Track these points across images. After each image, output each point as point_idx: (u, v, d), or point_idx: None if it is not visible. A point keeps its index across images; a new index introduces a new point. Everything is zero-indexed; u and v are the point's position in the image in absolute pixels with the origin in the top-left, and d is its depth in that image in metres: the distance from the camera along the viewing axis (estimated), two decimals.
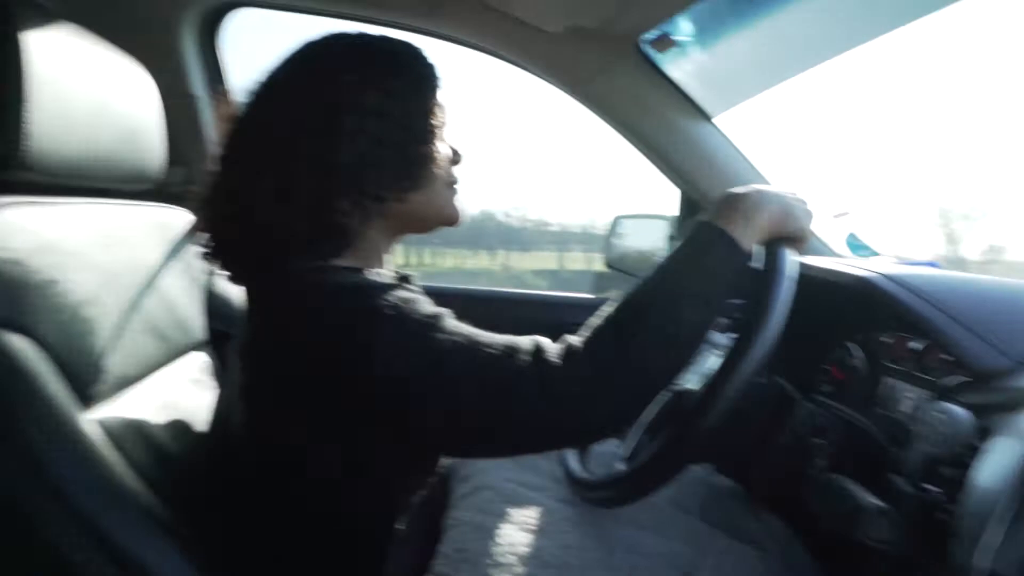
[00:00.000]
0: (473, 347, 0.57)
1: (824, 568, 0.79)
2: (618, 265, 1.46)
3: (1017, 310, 0.78)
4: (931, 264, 0.95)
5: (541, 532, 0.78)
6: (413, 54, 0.70)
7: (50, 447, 0.56)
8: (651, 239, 1.41)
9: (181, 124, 0.87)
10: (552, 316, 1.21)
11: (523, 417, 0.57)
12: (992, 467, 0.58)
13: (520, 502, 0.84)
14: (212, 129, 1.05)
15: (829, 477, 0.68)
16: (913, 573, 0.62)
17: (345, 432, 0.61)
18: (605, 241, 1.50)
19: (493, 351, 0.57)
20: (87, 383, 0.64)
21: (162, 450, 0.72)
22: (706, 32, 0.99)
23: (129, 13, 0.93)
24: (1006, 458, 0.57)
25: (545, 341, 0.60)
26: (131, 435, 0.68)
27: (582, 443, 0.83)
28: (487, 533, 0.77)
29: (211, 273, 0.98)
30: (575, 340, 0.60)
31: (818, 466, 0.72)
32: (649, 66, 1.03)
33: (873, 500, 0.63)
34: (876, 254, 1.11)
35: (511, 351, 0.58)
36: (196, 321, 0.92)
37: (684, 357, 0.61)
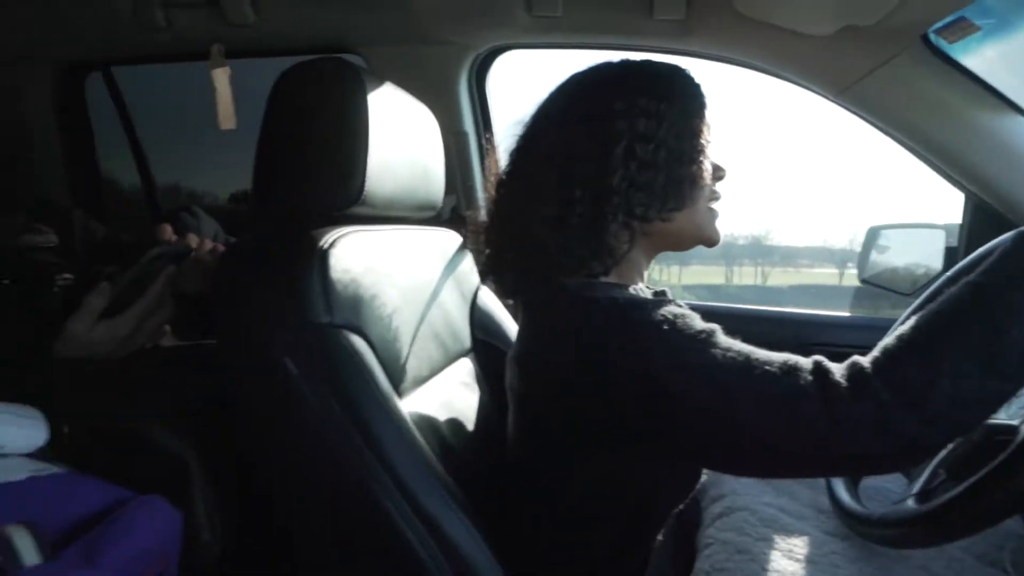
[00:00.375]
0: (749, 363, 0.57)
1: None
2: (875, 280, 1.32)
3: None
4: None
5: (810, 562, 0.74)
6: (680, 76, 0.72)
7: (383, 426, 0.67)
8: (919, 251, 1.25)
9: (452, 157, 0.98)
10: (806, 335, 1.13)
11: (804, 438, 0.55)
12: None
13: (781, 528, 0.81)
14: (477, 161, 1.18)
15: None
16: None
17: (612, 441, 0.63)
18: (860, 254, 1.36)
19: (771, 368, 0.56)
20: (398, 380, 0.76)
21: (445, 441, 0.81)
22: (1016, 10, 0.86)
23: (420, 65, 1.08)
24: None
25: (828, 362, 0.58)
26: (424, 426, 0.77)
27: (866, 472, 0.77)
28: (748, 555, 0.75)
29: (476, 288, 1.08)
30: (864, 361, 0.56)
31: None
32: (938, 57, 0.93)
33: None
34: None
35: (791, 369, 0.56)
36: (464, 331, 1.02)
37: (1009, 386, 0.54)
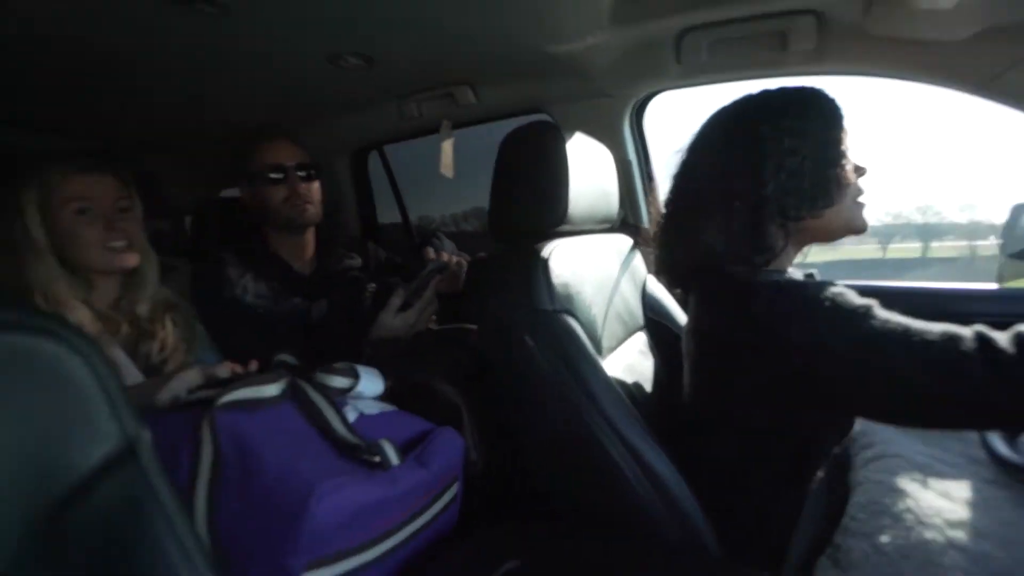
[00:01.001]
0: (908, 332, 0.57)
1: None
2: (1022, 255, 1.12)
3: None
4: None
5: (969, 504, 0.68)
6: (815, 95, 0.70)
7: (595, 381, 0.75)
8: None
9: (620, 181, 1.02)
10: (954, 308, 1.00)
11: (967, 397, 0.53)
12: None
13: (934, 473, 0.74)
14: (639, 182, 1.21)
15: None
16: None
17: (774, 399, 0.65)
18: (1006, 230, 1.16)
19: (930, 336, 0.55)
20: (598, 349, 0.84)
21: (631, 393, 0.87)
22: None
23: (594, 113, 1.16)
24: None
25: (990, 330, 0.54)
26: (616, 383, 0.83)
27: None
28: (903, 494, 0.71)
29: (644, 279, 1.12)
30: None
31: None
32: None
33: None
34: None
35: (952, 336, 0.55)
36: (638, 311, 1.07)
37: None
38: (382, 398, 0.77)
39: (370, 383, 0.73)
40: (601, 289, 0.93)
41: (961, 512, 0.67)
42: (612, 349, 0.94)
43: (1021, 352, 0.51)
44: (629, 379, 0.91)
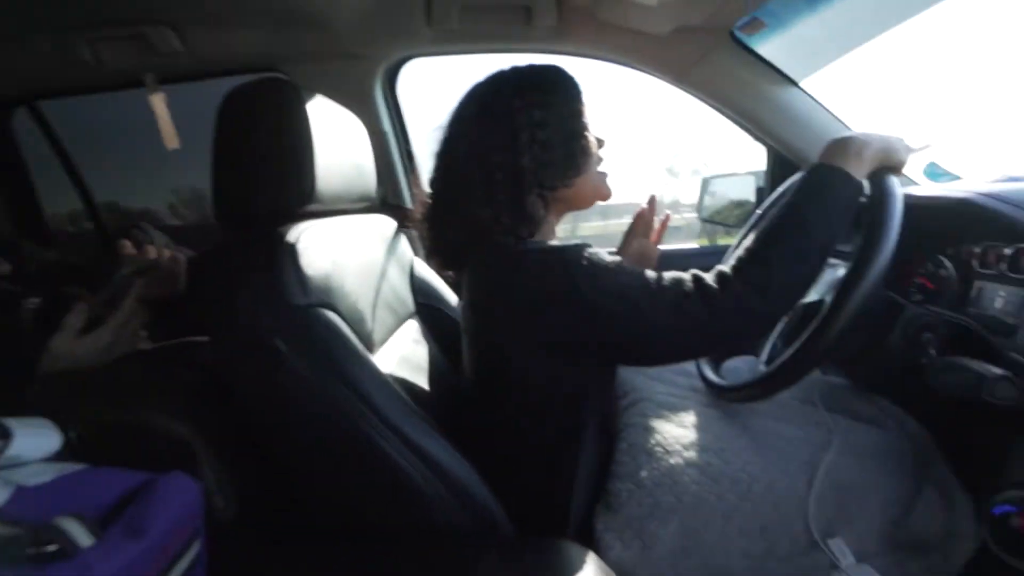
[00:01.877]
0: (647, 281, 0.65)
1: (937, 434, 0.78)
2: (713, 219, 1.43)
3: None
4: (1015, 178, 0.89)
5: (696, 427, 0.82)
6: (558, 72, 0.76)
7: (368, 380, 0.66)
8: (740, 193, 1.38)
9: (377, 154, 0.95)
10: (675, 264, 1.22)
11: (692, 327, 0.64)
12: None
13: (671, 407, 0.87)
14: (397, 155, 1.14)
15: (948, 359, 0.68)
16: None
17: (553, 354, 0.68)
18: (698, 200, 1.46)
19: (664, 283, 0.65)
20: (366, 343, 0.75)
21: (409, 387, 0.82)
22: (789, 10, 0.96)
23: (339, 77, 1.03)
24: None
25: (702, 272, 0.65)
26: (390, 377, 0.77)
27: (737, 345, 0.87)
28: (654, 431, 0.81)
29: (411, 262, 1.07)
30: (725, 268, 0.65)
31: (931, 355, 0.71)
32: (742, 48, 1.02)
33: (995, 369, 0.62)
34: (957, 178, 1.04)
35: (678, 281, 0.65)
36: (408, 297, 1.02)
37: (815, 271, 0.65)
38: (60, 457, 0.55)
39: (33, 440, 0.52)
40: (366, 277, 0.84)
41: (691, 435, 0.80)
42: (383, 341, 0.86)
43: (722, 286, 0.63)
44: (405, 371, 0.86)
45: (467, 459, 0.71)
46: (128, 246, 0.85)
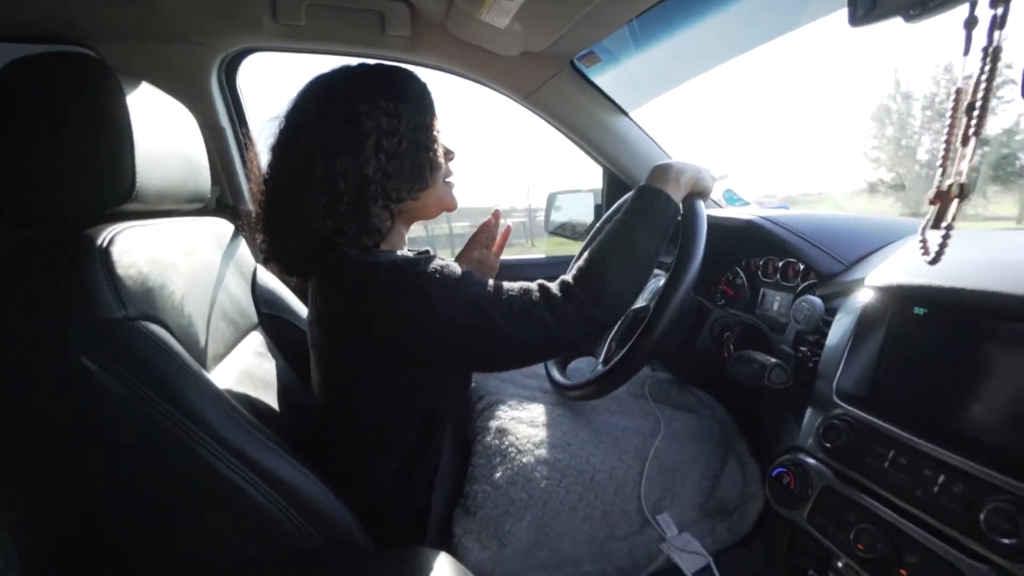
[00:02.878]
0: (499, 292, 0.68)
1: (738, 416, 0.94)
2: (558, 231, 1.55)
3: (843, 230, 0.95)
4: (782, 207, 1.12)
5: (545, 426, 0.88)
6: (411, 79, 0.74)
7: (201, 400, 0.60)
8: (581, 209, 1.51)
9: (212, 151, 0.88)
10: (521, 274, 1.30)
11: (538, 334, 0.68)
12: (836, 331, 0.74)
13: (523, 409, 0.93)
14: (236, 154, 1.06)
15: (741, 353, 0.83)
16: (797, 400, 0.78)
17: (403, 368, 0.69)
18: (545, 213, 1.57)
19: (513, 292, 0.69)
20: (200, 359, 0.70)
21: (251, 405, 0.77)
22: (620, 50, 1.09)
23: (168, 62, 0.92)
24: (843, 324, 0.73)
25: (546, 282, 0.71)
26: (230, 395, 0.71)
27: (575, 349, 0.94)
28: (507, 432, 0.86)
29: (254, 269, 1.00)
30: (568, 278, 0.71)
31: (730, 350, 0.86)
32: (581, 77, 1.13)
33: (772, 359, 0.78)
34: (747, 203, 1.28)
35: (525, 291, 0.69)
36: (250, 308, 0.95)
37: (644, 279, 0.75)
38: None
39: None
40: (198, 285, 0.76)
41: (542, 434, 0.85)
42: (222, 356, 0.79)
43: (565, 295, 0.69)
44: (248, 387, 0.79)
45: (319, 476, 0.68)
46: None
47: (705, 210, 0.80)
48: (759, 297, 1.04)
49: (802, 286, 0.93)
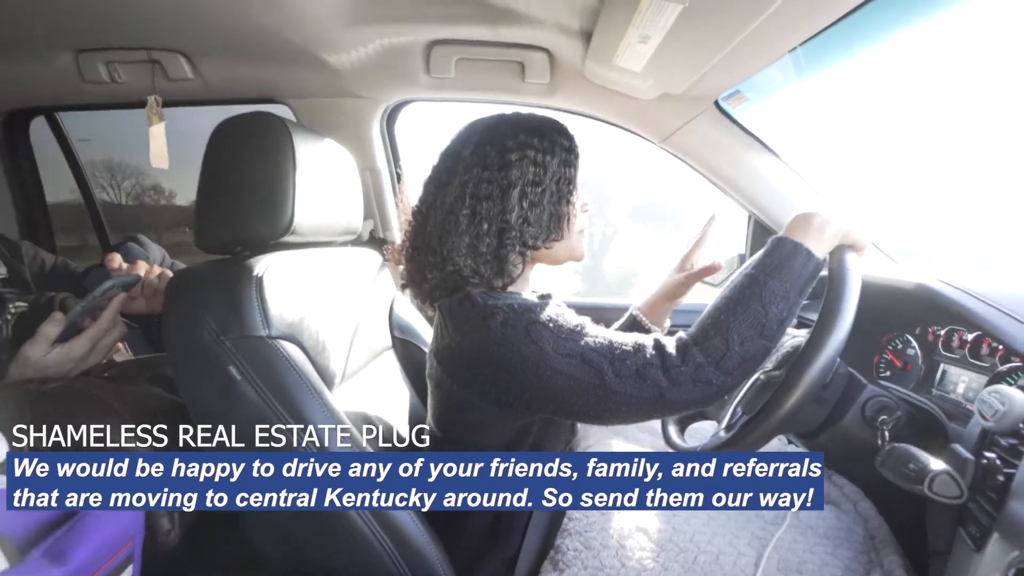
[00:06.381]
0: (612, 346, 0.64)
1: (890, 520, 0.76)
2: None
3: None
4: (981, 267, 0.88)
5: None
6: (559, 131, 0.73)
7: (314, 412, 0.65)
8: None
9: (368, 190, 0.97)
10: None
11: (651, 394, 0.62)
12: None
13: None
14: (389, 192, 1.16)
15: (896, 446, 0.66)
16: (977, 521, 0.59)
17: (513, 410, 0.67)
18: None
19: (627, 347, 0.64)
20: (331, 376, 0.76)
21: (372, 421, 0.80)
22: (764, 88, 0.98)
23: (341, 114, 1.06)
24: None
25: (663, 337, 0.64)
26: (355, 411, 0.77)
27: (691, 412, 0.84)
28: None
29: (393, 297, 1.07)
30: (686, 336, 0.64)
31: (885, 437, 0.69)
32: (726, 117, 1.03)
33: (940, 464, 0.60)
34: (928, 259, 1.04)
35: (640, 347, 0.64)
36: (385, 331, 1.02)
37: (772, 344, 0.64)
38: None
39: None
40: (339, 309, 0.84)
41: None
42: (354, 374, 0.86)
43: (682, 355, 0.63)
44: (373, 405, 0.85)
45: (423, 515, 0.68)
46: (117, 259, 0.86)
47: (859, 265, 0.66)
48: (937, 374, 0.83)
49: (1001, 368, 0.71)
